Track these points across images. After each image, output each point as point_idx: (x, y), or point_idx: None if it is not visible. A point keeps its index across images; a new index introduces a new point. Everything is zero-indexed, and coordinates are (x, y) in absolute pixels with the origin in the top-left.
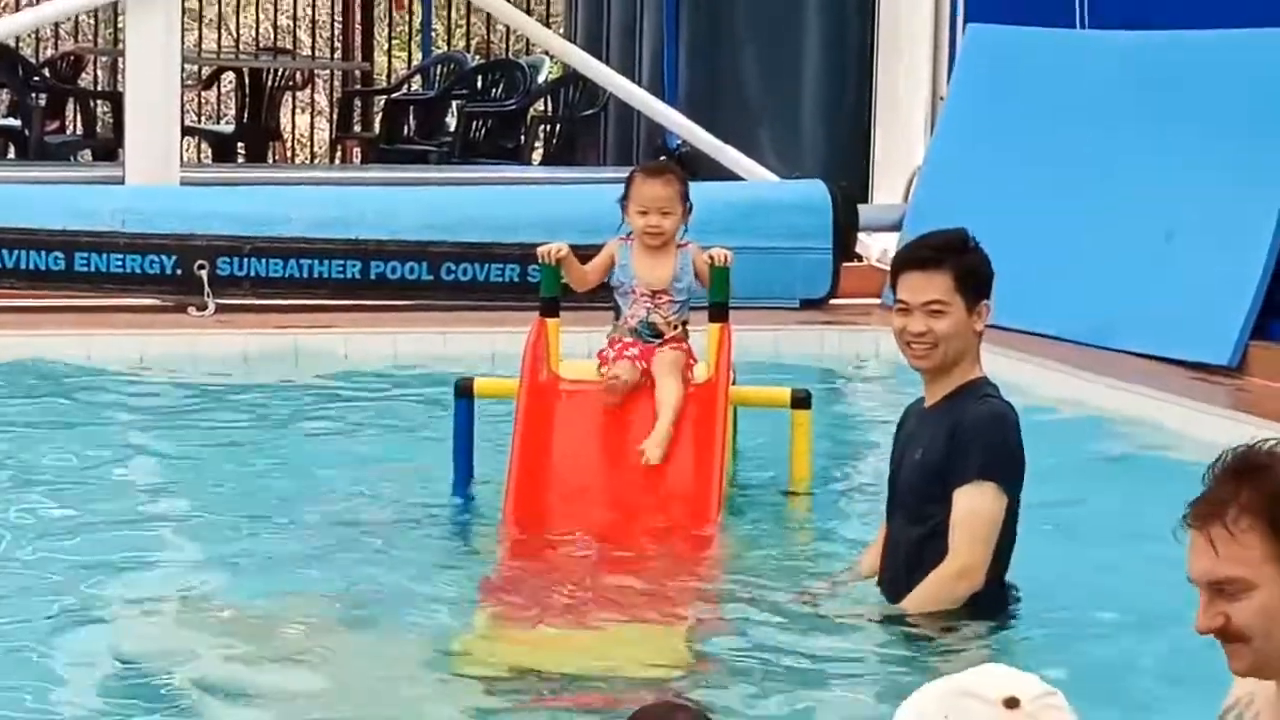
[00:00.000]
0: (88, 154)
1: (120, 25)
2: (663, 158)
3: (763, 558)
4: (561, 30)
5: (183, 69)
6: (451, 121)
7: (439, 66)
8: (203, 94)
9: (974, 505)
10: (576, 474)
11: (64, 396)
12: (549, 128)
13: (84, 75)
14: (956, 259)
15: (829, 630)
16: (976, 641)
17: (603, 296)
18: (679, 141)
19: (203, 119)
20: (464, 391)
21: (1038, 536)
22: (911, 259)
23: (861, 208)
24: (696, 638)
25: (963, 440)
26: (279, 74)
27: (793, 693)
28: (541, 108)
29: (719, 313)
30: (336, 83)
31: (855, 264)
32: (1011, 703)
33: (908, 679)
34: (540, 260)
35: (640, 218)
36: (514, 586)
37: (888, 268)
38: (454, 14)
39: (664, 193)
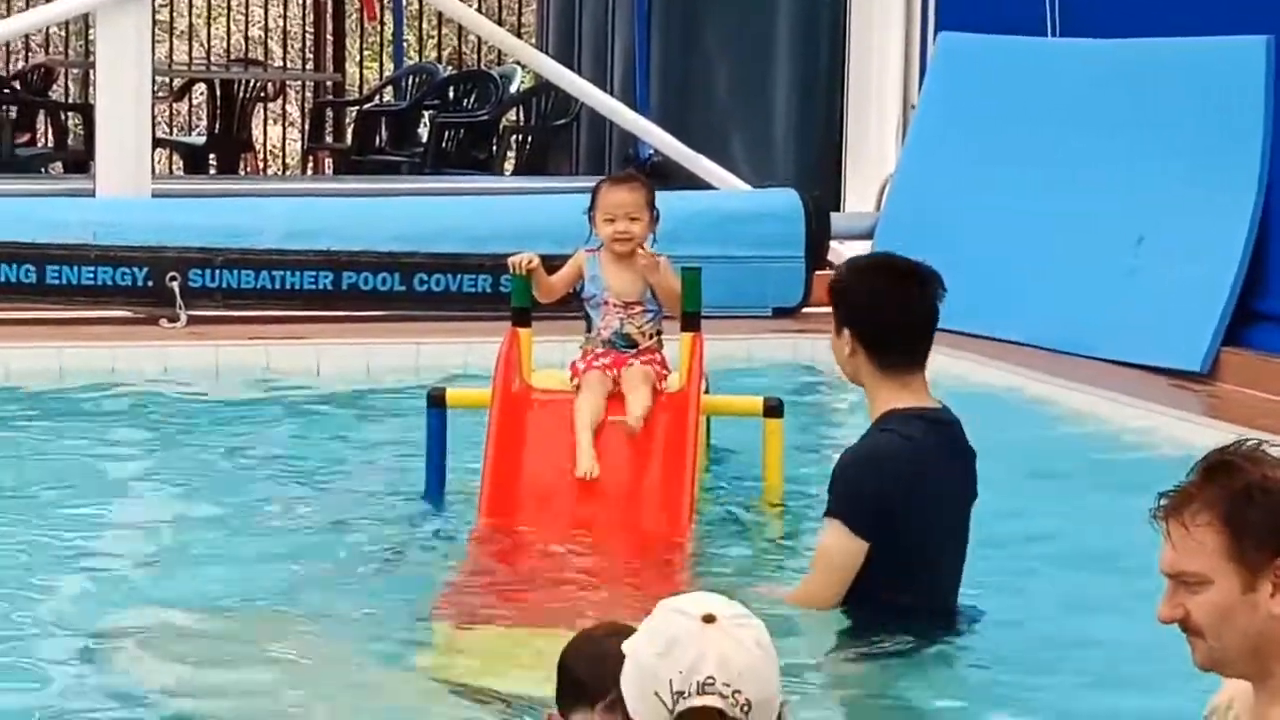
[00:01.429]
0: (59, 166)
1: (91, 37)
2: (630, 168)
3: (734, 566)
4: (533, 40)
5: (154, 81)
6: (423, 132)
7: (411, 77)
8: (174, 106)
9: (823, 540)
10: (549, 484)
11: (35, 409)
12: (521, 138)
13: (55, 87)
14: (835, 281)
15: (796, 634)
16: (922, 657)
17: (574, 306)
18: (651, 151)
19: (174, 131)
20: (436, 402)
21: (1000, 544)
22: None
23: (833, 216)
24: None
25: (831, 475)
26: (250, 85)
27: None
28: (513, 118)
29: (691, 321)
30: (308, 94)
31: (827, 272)
32: (709, 619)
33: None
34: (511, 270)
35: (608, 225)
36: (485, 595)
37: None
38: (425, 25)
39: (629, 198)
